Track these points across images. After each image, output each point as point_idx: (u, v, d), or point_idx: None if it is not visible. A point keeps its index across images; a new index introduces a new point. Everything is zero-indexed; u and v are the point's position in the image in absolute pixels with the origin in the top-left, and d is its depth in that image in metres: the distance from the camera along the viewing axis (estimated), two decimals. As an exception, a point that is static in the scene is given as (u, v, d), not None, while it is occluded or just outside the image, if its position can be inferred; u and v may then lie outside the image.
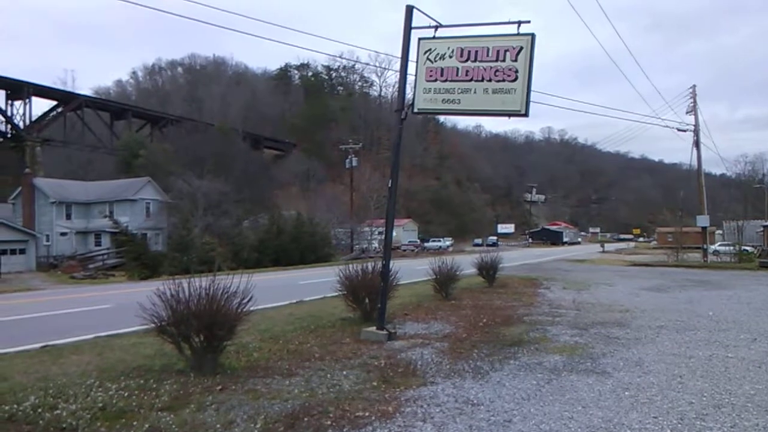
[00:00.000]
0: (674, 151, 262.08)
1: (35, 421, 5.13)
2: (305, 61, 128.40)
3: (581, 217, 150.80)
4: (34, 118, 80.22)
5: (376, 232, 58.43)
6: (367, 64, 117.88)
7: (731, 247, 38.67)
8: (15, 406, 5.46)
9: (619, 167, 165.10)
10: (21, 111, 77.59)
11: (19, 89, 76.08)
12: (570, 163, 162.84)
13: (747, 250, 36.95)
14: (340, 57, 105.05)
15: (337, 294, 11.82)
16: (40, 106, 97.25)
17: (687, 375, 7.11)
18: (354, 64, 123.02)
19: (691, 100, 36.95)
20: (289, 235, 47.11)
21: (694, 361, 7.86)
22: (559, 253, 59.36)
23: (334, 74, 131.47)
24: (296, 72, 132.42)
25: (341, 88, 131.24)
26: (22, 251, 47.14)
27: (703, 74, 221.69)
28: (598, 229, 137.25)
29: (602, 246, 74.13)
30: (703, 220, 36.25)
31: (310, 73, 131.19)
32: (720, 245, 43.88)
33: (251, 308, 7.46)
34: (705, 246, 36.75)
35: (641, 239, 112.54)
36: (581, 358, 7.99)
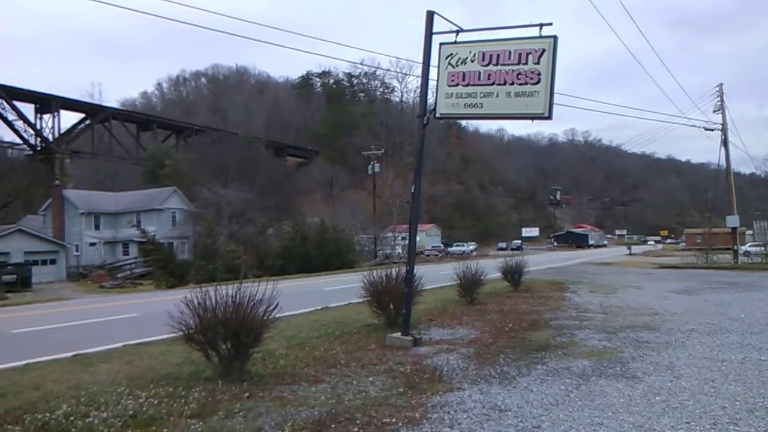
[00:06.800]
0: (701, 150, 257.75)
1: (68, 429, 5.23)
2: (327, 69, 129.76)
3: (607, 219, 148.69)
4: (62, 131, 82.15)
5: (400, 238, 58.39)
6: (388, 70, 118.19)
7: (762, 248, 37.84)
8: (48, 414, 5.57)
9: (645, 168, 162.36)
10: (50, 124, 79.58)
11: (47, 103, 77.96)
12: (594, 165, 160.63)
13: (779, 251, 36.11)
14: (361, 64, 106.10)
15: (361, 300, 11.83)
16: (69, 118, 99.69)
17: (719, 379, 6.96)
18: (375, 71, 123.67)
19: (718, 99, 36.34)
20: (313, 242, 47.26)
21: (726, 365, 7.69)
22: (585, 256, 58.71)
23: (355, 81, 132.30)
24: (318, 80, 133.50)
25: (363, 95, 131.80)
26: (53, 261, 48.06)
27: (730, 72, 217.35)
28: (624, 232, 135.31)
29: (629, 248, 72.96)
30: (732, 221, 35.53)
31: (331, 81, 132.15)
32: (751, 246, 42.88)
33: (277, 315, 7.50)
34: (735, 247, 36.02)
35: (669, 241, 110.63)
36: (610, 363, 7.87)
